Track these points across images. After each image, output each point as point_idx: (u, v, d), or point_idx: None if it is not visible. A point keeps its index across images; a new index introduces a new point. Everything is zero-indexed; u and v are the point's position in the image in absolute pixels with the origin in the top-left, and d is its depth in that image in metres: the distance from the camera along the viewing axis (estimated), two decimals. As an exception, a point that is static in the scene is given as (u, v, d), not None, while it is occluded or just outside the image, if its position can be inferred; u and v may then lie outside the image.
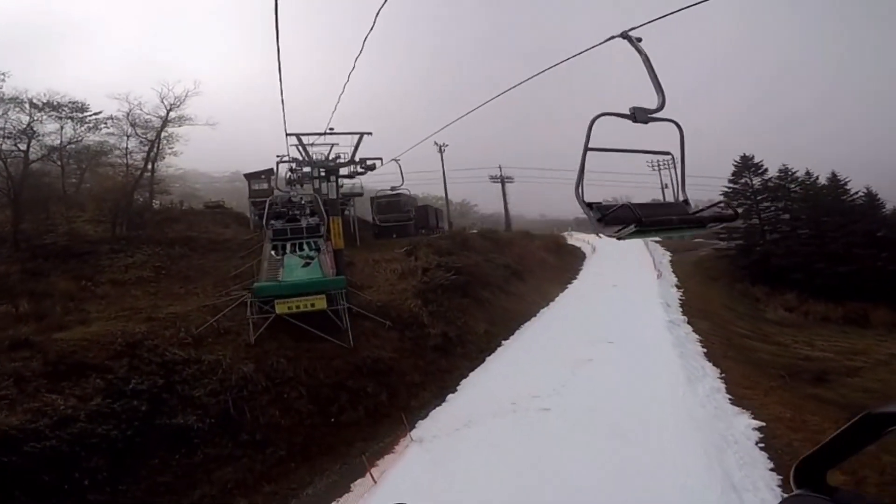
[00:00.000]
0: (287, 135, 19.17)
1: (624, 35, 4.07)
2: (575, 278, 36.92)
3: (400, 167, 16.83)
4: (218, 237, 29.98)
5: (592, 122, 3.56)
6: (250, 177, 35.01)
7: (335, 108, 18.94)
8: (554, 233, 54.12)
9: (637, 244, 52.17)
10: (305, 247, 22.49)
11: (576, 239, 53.32)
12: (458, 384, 17.21)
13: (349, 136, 20.11)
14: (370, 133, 20.43)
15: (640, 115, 3.74)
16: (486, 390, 15.90)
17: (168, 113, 30.00)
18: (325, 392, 14.41)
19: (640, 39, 3.98)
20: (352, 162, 20.15)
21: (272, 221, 23.13)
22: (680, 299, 29.00)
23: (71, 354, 12.76)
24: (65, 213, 25.86)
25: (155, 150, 31.44)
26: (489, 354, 20.02)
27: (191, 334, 14.96)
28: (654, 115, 3.79)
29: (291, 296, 15.71)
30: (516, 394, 14.82)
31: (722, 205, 4.56)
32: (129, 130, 28.36)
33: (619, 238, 3.86)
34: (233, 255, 27.38)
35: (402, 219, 36.88)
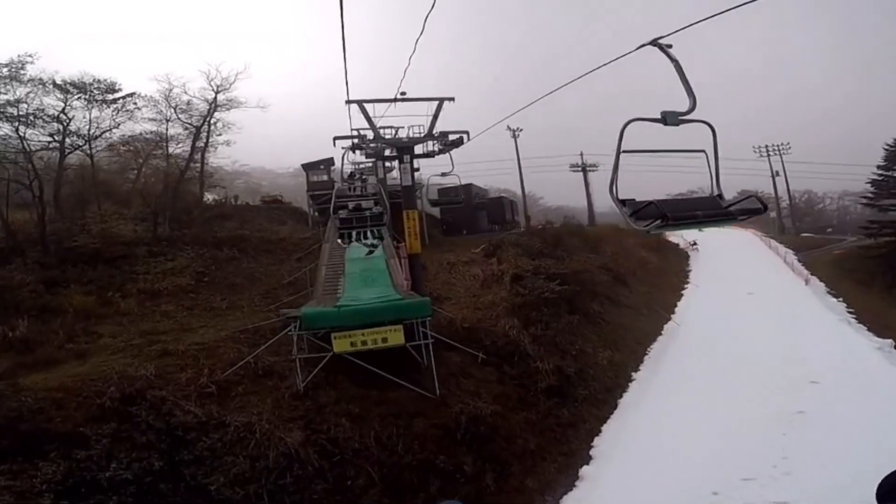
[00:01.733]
0: (348, 102, 14.56)
1: (654, 42, 4.10)
2: (687, 282, 30.42)
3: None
4: (272, 236, 26.17)
5: (624, 126, 3.56)
6: (308, 167, 31.03)
7: (406, 69, 13.99)
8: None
9: (748, 239, 44.63)
10: (369, 234, 20.73)
11: (668, 234, 46.33)
12: (589, 446, 12.00)
13: (425, 102, 15.23)
14: (452, 99, 15.48)
15: (670, 119, 3.67)
16: (647, 461, 10.61)
17: (216, 96, 26.43)
18: (406, 476, 9.53)
19: (670, 46, 3.98)
20: (429, 137, 15.23)
21: (339, 211, 21.76)
22: (849, 311, 22.21)
23: (32, 415, 8.57)
24: (98, 210, 22.64)
25: (205, 138, 28.05)
26: (620, 395, 14.61)
27: (216, 379, 10.53)
28: (684, 118, 3.71)
29: (355, 326, 10.91)
30: (707, 472, 9.56)
31: (752, 198, 4.68)
32: (170, 114, 24.84)
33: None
34: (288, 257, 23.43)
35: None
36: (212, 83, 26.28)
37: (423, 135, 15.31)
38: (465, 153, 18.84)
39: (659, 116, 3.61)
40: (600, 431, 12.76)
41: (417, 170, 24.04)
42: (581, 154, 49.43)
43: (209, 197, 32.02)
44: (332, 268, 16.27)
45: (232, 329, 13.28)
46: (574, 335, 16.49)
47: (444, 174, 16.11)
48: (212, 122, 26.95)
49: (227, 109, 27.32)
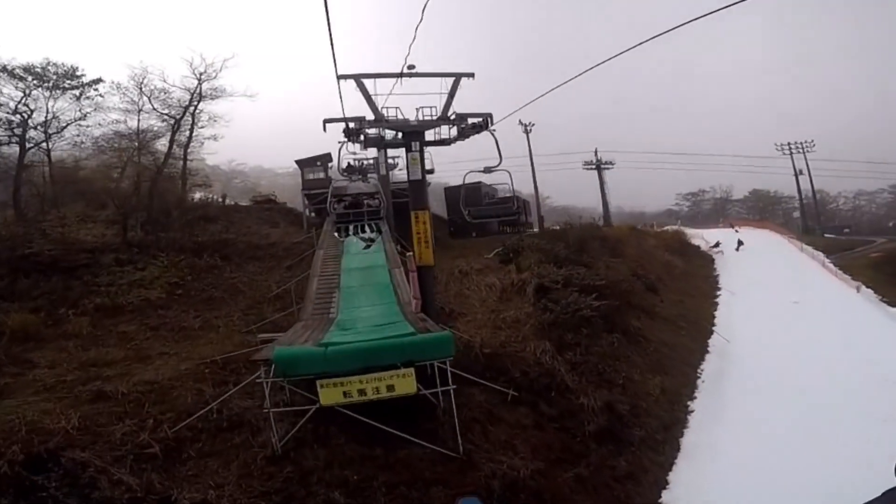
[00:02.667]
0: (339, 78, 11.84)
1: None
2: (719, 289, 27.64)
3: None
4: (262, 240, 23.42)
5: None
6: (304, 164, 28.24)
7: (413, 39, 11.28)
8: (670, 228, 44.14)
9: (775, 240, 41.82)
10: (367, 229, 20.67)
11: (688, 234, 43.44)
12: (658, 504, 9.30)
13: (439, 79, 12.55)
14: (471, 74, 12.80)
15: None
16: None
17: (199, 84, 23.73)
18: (423, 581, 6.80)
19: None
20: (444, 119, 12.52)
21: (335, 206, 21.91)
22: (917, 325, 19.48)
23: None
24: (58, 212, 19.92)
25: (189, 132, 25.34)
26: (682, 434, 11.86)
27: (161, 436, 7.78)
28: None
29: (351, 372, 7.98)
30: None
31: None
32: (143, 104, 22.10)
33: None
34: (278, 264, 20.67)
35: None
36: (195, 71, 23.64)
37: (435, 117, 12.57)
38: (472, 150, 16.11)
39: None
40: (667, 483, 10.07)
41: (431, 171, 21.43)
42: (595, 151, 46.96)
43: (195, 196, 29.27)
44: (325, 280, 13.55)
45: (197, 360, 10.54)
46: (617, 359, 13.74)
47: (487, 169, 13.15)
48: (195, 112, 24.26)
49: (213, 99, 24.66)
